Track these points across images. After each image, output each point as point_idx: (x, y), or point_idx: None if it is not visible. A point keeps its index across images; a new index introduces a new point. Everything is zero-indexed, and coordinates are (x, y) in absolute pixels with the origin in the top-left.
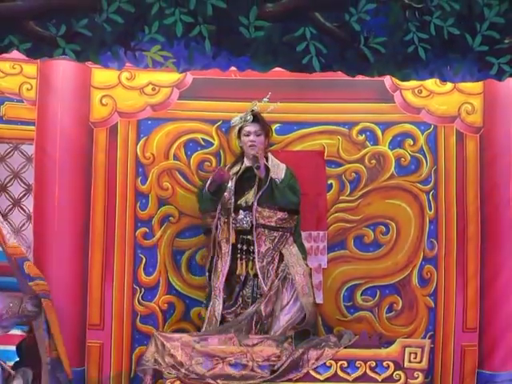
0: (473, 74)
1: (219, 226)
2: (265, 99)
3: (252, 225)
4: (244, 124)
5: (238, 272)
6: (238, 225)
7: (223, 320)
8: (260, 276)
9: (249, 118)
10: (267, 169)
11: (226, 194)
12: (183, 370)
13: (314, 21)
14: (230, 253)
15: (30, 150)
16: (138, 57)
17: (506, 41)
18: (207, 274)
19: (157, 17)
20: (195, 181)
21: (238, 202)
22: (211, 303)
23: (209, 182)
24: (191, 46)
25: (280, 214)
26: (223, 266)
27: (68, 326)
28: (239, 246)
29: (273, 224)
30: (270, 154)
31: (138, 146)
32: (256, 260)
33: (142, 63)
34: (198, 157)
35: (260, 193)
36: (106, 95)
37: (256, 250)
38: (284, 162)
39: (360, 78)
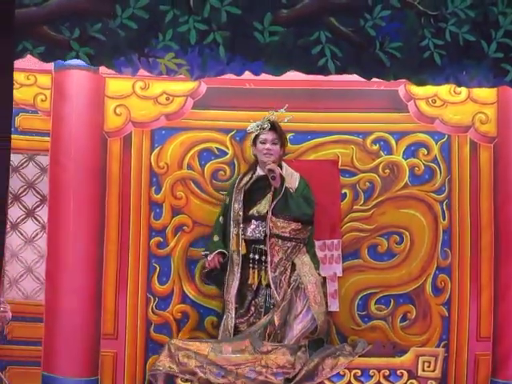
0: (488, 80)
1: (230, 239)
2: (282, 110)
3: (265, 234)
4: (261, 132)
5: (249, 281)
6: (250, 235)
7: (236, 329)
8: (272, 286)
9: (266, 125)
10: (282, 178)
11: (235, 205)
12: (197, 377)
13: (329, 25)
14: (240, 265)
15: (44, 160)
16: (152, 63)
17: None
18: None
19: (171, 24)
20: (209, 190)
21: (250, 212)
22: (224, 317)
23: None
24: (205, 53)
25: (294, 225)
26: (234, 279)
27: (82, 335)
28: (251, 255)
29: (287, 234)
30: (284, 163)
31: (152, 156)
32: (269, 270)
33: (155, 70)
34: (211, 166)
35: (275, 202)
36: (120, 105)
37: (269, 260)
38: (298, 172)
39: (374, 87)
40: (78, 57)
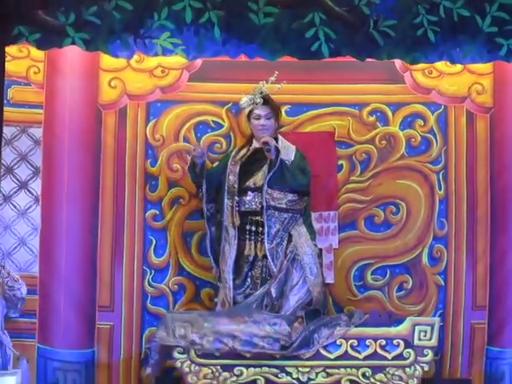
0: (482, 55)
1: (225, 210)
2: (272, 78)
3: (262, 206)
4: (254, 107)
5: (246, 253)
6: (246, 206)
7: (233, 301)
8: (269, 257)
9: (259, 100)
10: (277, 150)
11: (230, 177)
12: (194, 348)
13: (323, 6)
14: (236, 236)
15: (37, 133)
16: (148, 44)
17: None
18: (211, 256)
19: (166, 2)
20: (205, 163)
21: (246, 184)
22: (221, 288)
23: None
24: (201, 33)
25: (290, 196)
26: (230, 250)
27: (77, 307)
28: (247, 227)
29: (283, 206)
30: (279, 136)
31: (148, 128)
32: (265, 241)
33: (151, 51)
34: (208, 139)
35: (270, 174)
36: (115, 78)
37: (266, 232)
38: (294, 144)
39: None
40: (73, 43)
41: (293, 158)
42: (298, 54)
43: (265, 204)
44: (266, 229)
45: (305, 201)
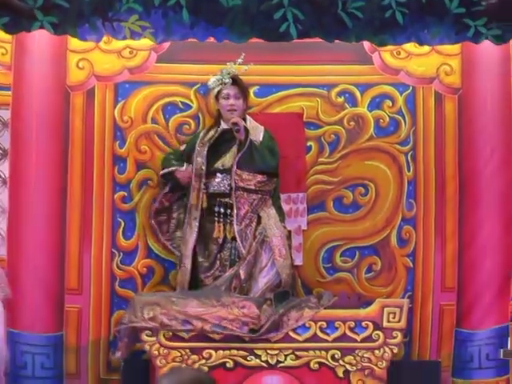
0: (450, 36)
1: (191, 193)
2: (239, 60)
3: (231, 188)
4: (222, 87)
5: (215, 235)
6: (215, 188)
7: (201, 283)
8: (238, 239)
9: (228, 80)
10: (247, 131)
11: (198, 159)
12: (162, 331)
13: None
14: (198, 219)
15: (5, 114)
16: (116, 28)
17: (483, 3)
18: (168, 236)
19: None
20: (174, 144)
21: (215, 166)
22: (180, 271)
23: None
24: (169, 15)
25: (259, 177)
26: (192, 233)
27: (45, 290)
28: (216, 209)
29: (252, 187)
30: (248, 116)
31: (116, 110)
32: (234, 223)
33: (120, 35)
34: (176, 120)
35: (239, 155)
36: (83, 59)
37: (235, 213)
38: (263, 125)
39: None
40: (42, 27)
41: (261, 139)
42: (266, 36)
43: (234, 185)
44: (234, 210)
45: (274, 182)
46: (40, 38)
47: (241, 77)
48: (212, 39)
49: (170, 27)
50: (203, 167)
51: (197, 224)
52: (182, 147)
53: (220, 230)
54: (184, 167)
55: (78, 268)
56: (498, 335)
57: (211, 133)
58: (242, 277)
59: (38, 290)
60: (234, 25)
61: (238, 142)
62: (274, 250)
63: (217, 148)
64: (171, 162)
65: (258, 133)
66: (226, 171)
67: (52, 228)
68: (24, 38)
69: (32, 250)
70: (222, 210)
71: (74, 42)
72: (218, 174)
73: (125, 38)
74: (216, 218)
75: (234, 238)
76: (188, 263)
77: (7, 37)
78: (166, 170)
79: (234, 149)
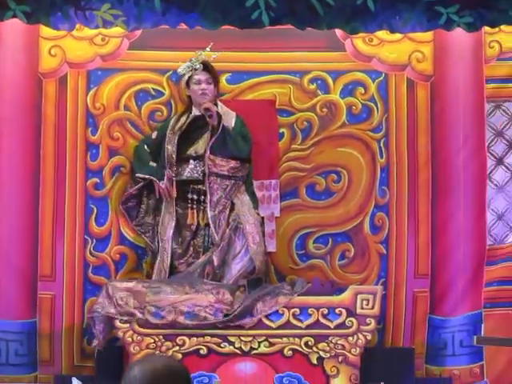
0: (422, 24)
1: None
2: (207, 48)
3: (204, 174)
4: (193, 72)
5: (188, 222)
6: (188, 175)
7: (175, 270)
8: (212, 225)
9: (198, 66)
10: (219, 116)
11: (169, 147)
12: (135, 319)
13: None
14: (174, 206)
15: None
16: (89, 17)
17: None
18: (137, 222)
19: None
20: (146, 131)
21: (188, 152)
22: (159, 256)
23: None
24: (141, 3)
25: (232, 163)
26: (170, 219)
27: (18, 277)
28: (189, 195)
29: (225, 173)
30: (219, 102)
31: (88, 97)
32: (208, 209)
33: (92, 23)
34: (148, 107)
35: (212, 140)
36: (55, 46)
37: (208, 199)
38: (235, 111)
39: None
40: (15, 16)
41: (233, 125)
42: (238, 23)
43: (207, 171)
44: (208, 196)
45: (247, 168)
46: (12, 26)
47: (213, 63)
48: (184, 26)
49: (142, 15)
50: (174, 155)
51: (175, 210)
52: (154, 134)
53: (193, 216)
54: (163, 183)
55: (51, 255)
56: (472, 322)
57: (182, 119)
58: (216, 263)
59: (11, 277)
60: (205, 11)
61: (211, 127)
62: (247, 237)
63: (189, 135)
64: (148, 164)
65: (229, 118)
66: (199, 158)
67: (25, 215)
68: None
69: (5, 236)
70: (195, 197)
71: (46, 30)
72: (191, 161)
73: (97, 26)
74: (189, 205)
75: (207, 225)
76: (169, 248)
77: None
78: (142, 176)
79: (207, 135)
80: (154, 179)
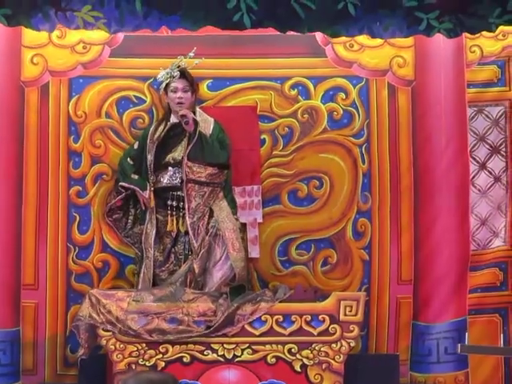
0: (402, 29)
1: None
2: (190, 54)
3: (182, 180)
4: (171, 80)
5: (168, 228)
6: (167, 181)
7: (157, 278)
8: (190, 232)
9: (176, 73)
10: (196, 123)
11: (148, 156)
12: (118, 326)
13: None
14: (155, 214)
15: None
16: (69, 17)
17: None
18: (126, 233)
19: None
20: (128, 138)
21: (166, 160)
22: (144, 265)
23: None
24: (122, 6)
25: (210, 169)
26: (152, 227)
27: (2, 286)
28: (169, 202)
29: (203, 179)
30: (198, 109)
31: (70, 105)
32: (186, 216)
33: (73, 24)
34: (130, 114)
35: (190, 147)
36: (37, 54)
37: (186, 206)
38: (217, 118)
39: (292, 33)
40: None
41: (211, 131)
42: (220, 24)
43: (184, 178)
44: (186, 203)
45: (225, 174)
46: None
47: (194, 70)
48: (164, 31)
49: (123, 18)
50: (152, 165)
51: (155, 217)
52: (136, 145)
53: (173, 223)
54: (147, 192)
55: (34, 263)
56: (456, 329)
57: (160, 128)
58: (197, 271)
59: None
60: (187, 13)
61: (188, 134)
62: (227, 243)
63: (167, 142)
64: (130, 177)
65: (208, 125)
66: (177, 164)
67: (7, 223)
68: None
69: None
70: (174, 204)
71: (28, 38)
72: (170, 168)
73: (78, 27)
74: (169, 212)
75: (187, 232)
76: (151, 257)
77: None
78: (126, 186)
79: (185, 142)
80: (137, 189)
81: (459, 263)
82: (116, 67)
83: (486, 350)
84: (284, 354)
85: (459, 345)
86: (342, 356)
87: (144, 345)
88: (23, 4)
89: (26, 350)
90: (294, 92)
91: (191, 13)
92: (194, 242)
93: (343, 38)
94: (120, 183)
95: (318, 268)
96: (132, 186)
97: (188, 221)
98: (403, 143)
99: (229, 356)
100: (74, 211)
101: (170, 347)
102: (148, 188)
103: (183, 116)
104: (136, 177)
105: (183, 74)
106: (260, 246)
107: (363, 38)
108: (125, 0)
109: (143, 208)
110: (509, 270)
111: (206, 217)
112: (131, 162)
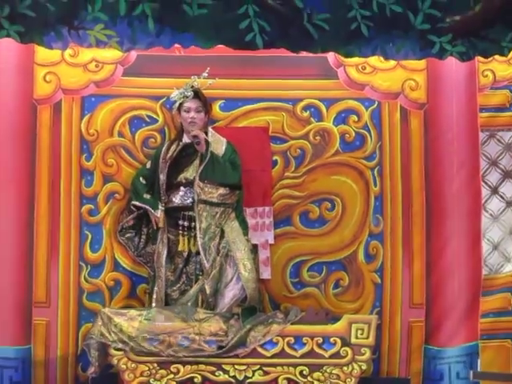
0: (415, 51)
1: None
2: (204, 74)
3: (193, 201)
4: (184, 100)
5: (179, 248)
6: (178, 201)
7: (168, 297)
8: (202, 252)
9: (189, 94)
10: (207, 143)
11: (161, 176)
12: (130, 345)
13: None
14: (166, 234)
15: None
16: (82, 36)
17: (448, 20)
18: (138, 252)
19: None
20: (140, 157)
21: (178, 179)
22: (156, 284)
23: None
24: (134, 24)
25: (221, 190)
26: (163, 246)
27: (13, 303)
28: (181, 222)
29: (214, 200)
30: (210, 129)
31: (82, 123)
32: (198, 236)
33: (85, 42)
34: (142, 133)
35: (201, 168)
36: (50, 72)
37: (198, 226)
38: (229, 139)
39: (304, 54)
40: (8, 35)
41: (223, 152)
42: (232, 44)
43: (196, 198)
44: (197, 223)
45: (236, 195)
46: (7, 52)
47: (207, 91)
48: (177, 51)
49: (136, 36)
50: (164, 185)
51: (166, 237)
52: (148, 164)
53: (184, 243)
54: (158, 212)
55: (46, 281)
56: (468, 353)
57: (172, 148)
58: (208, 291)
59: (5, 303)
60: (199, 31)
61: (200, 154)
62: (238, 264)
63: (179, 162)
64: (142, 196)
65: (220, 146)
66: (189, 184)
67: (20, 241)
68: None
69: (0, 263)
70: (185, 224)
71: (40, 56)
72: (182, 188)
73: (90, 45)
74: (180, 232)
75: (198, 252)
76: (163, 276)
77: None
78: (138, 204)
79: (197, 162)
80: (149, 208)
81: (471, 287)
82: (129, 86)
83: (499, 377)
84: (295, 375)
85: (471, 371)
86: (353, 379)
87: (155, 364)
88: (36, 22)
89: (37, 367)
90: (306, 114)
91: (204, 31)
92: (206, 262)
93: (355, 60)
94: (132, 202)
95: (329, 290)
96: (144, 206)
97: (199, 241)
98: (415, 166)
99: (240, 377)
100: (86, 229)
101: (181, 367)
102: (160, 207)
103: (195, 136)
104: (148, 196)
105: (197, 94)
106: (271, 267)
107: (375, 61)
108: (137, 19)
109: (155, 227)
110: None
111: (218, 237)
112: (144, 182)
